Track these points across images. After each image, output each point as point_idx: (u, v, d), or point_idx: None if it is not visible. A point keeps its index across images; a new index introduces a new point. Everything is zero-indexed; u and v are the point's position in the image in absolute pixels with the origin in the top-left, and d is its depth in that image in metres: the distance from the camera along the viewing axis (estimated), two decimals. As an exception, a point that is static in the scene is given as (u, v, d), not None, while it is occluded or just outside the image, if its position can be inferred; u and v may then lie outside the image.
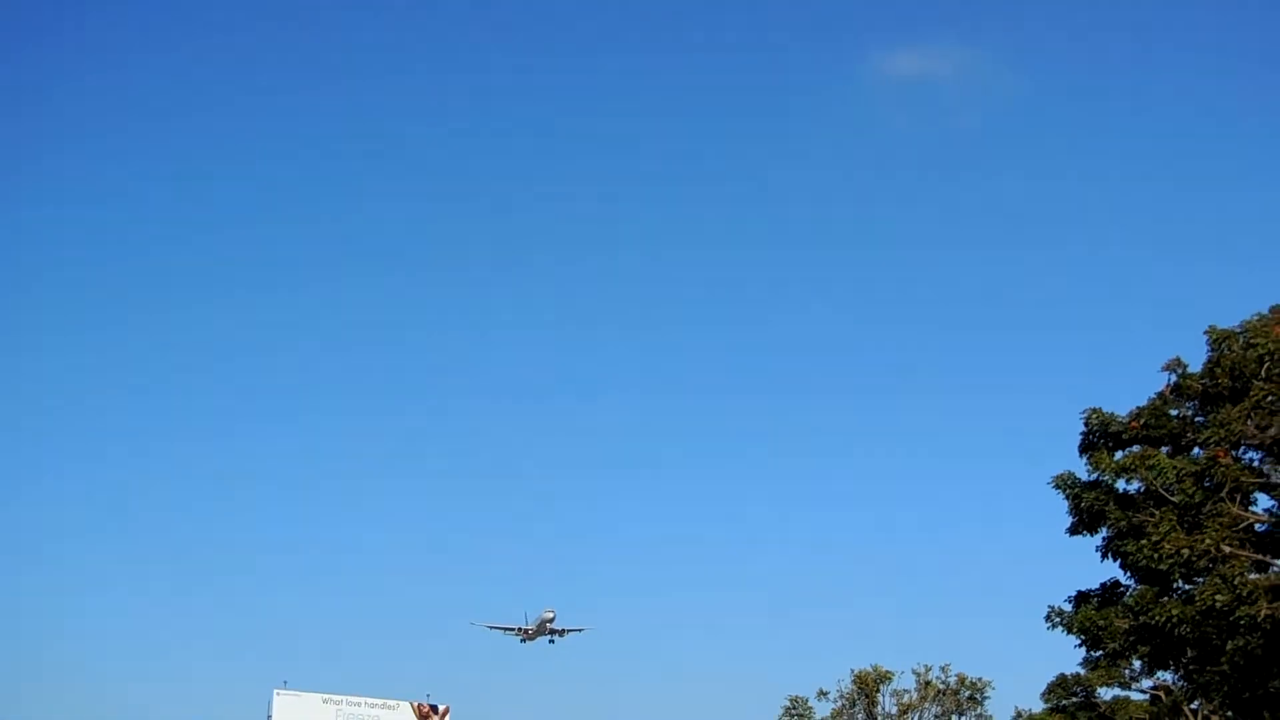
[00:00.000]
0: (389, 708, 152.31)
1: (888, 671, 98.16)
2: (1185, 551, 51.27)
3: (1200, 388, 55.33)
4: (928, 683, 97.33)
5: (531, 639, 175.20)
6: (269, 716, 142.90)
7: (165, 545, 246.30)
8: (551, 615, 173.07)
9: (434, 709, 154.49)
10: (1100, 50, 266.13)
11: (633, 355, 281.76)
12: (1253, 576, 50.73)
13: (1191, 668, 54.90)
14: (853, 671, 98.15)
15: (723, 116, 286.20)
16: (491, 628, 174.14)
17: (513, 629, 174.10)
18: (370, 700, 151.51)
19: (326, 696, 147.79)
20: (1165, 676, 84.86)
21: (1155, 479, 53.29)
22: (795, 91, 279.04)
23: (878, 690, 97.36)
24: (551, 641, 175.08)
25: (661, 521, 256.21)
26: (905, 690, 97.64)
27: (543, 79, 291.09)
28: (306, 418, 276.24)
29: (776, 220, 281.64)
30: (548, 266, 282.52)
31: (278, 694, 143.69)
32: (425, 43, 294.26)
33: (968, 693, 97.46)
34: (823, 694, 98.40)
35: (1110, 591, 57.50)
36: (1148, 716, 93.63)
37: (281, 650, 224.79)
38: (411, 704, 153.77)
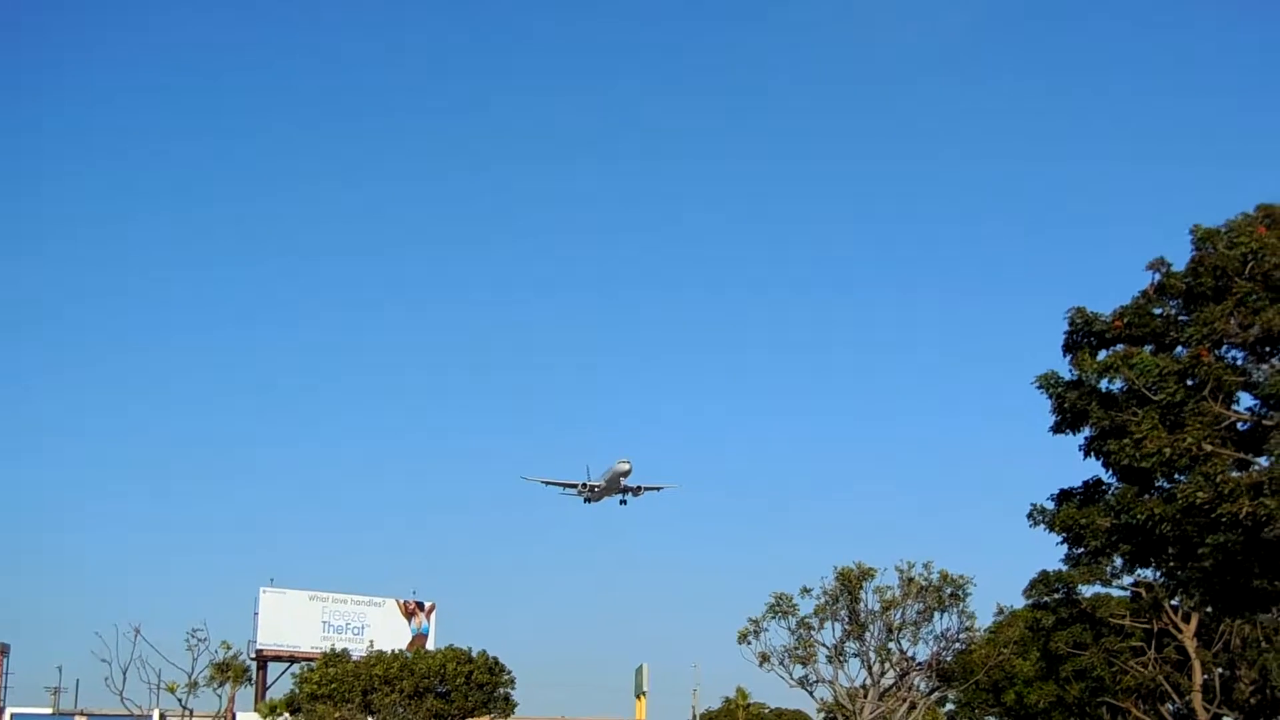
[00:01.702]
0: (375, 604, 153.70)
1: (870, 569, 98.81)
2: (1167, 450, 51.40)
3: (1184, 287, 55.17)
4: (910, 580, 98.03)
5: (597, 498, 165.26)
6: (255, 614, 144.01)
7: (151, 445, 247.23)
8: (627, 467, 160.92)
9: (420, 605, 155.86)
10: None
11: (625, 255, 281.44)
12: (1234, 474, 50.88)
13: (1172, 564, 55.28)
14: (836, 568, 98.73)
15: (711, 20, 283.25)
16: (548, 483, 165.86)
17: (573, 485, 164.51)
18: (356, 597, 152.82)
19: (313, 594, 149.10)
20: (1146, 573, 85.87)
21: (1138, 378, 53.26)
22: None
23: (860, 587, 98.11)
24: (624, 502, 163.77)
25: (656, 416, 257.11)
26: (888, 587, 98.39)
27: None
28: (290, 311, 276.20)
29: (771, 125, 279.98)
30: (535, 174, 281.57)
31: (264, 592, 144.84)
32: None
33: (950, 589, 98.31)
34: (806, 591, 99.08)
35: (1092, 490, 57.72)
36: (1128, 613, 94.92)
37: (268, 548, 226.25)
38: (397, 601, 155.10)
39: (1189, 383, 53.53)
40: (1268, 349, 54.25)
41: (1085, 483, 58.38)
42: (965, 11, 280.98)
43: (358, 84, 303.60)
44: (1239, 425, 53.80)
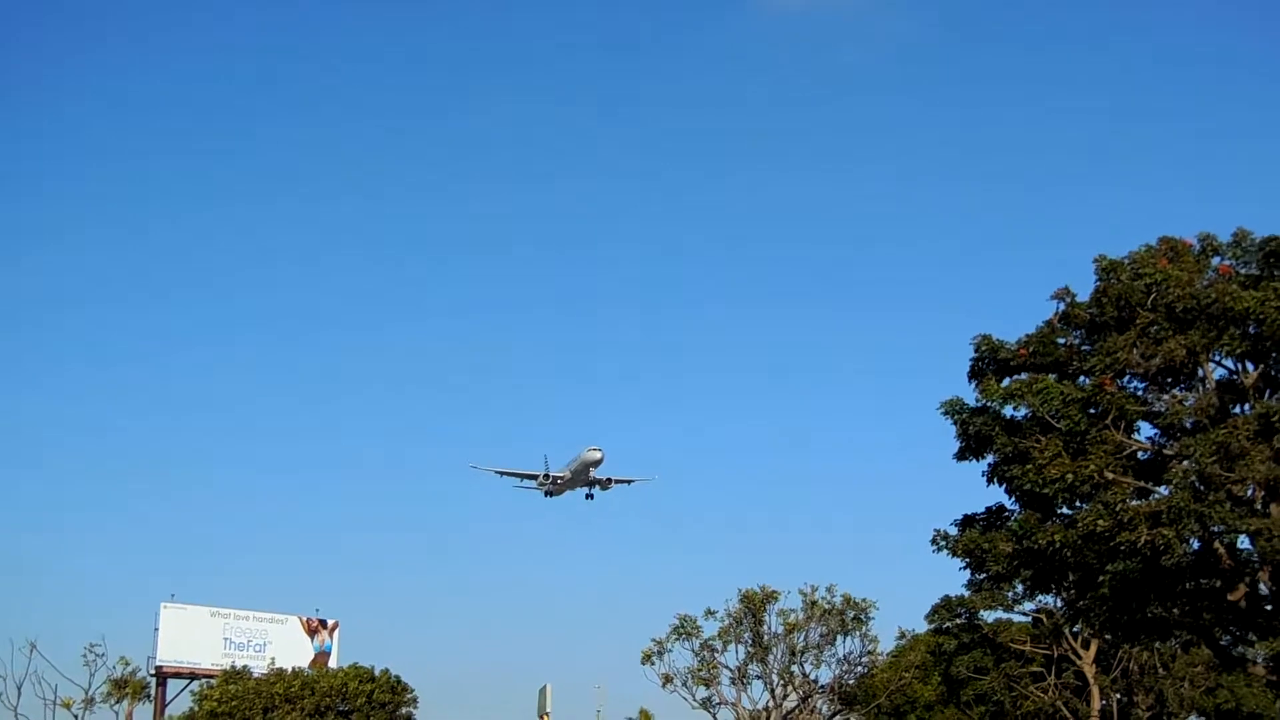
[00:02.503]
0: (277, 621, 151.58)
1: (774, 591, 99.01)
2: (1069, 477, 52.04)
3: (1088, 316, 56.01)
4: (814, 603, 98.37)
5: (559, 491, 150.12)
6: (156, 629, 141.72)
7: (50, 455, 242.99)
8: (597, 456, 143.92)
9: (323, 623, 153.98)
10: None
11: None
12: (1133, 503, 51.57)
13: (1072, 592, 55.94)
14: (740, 591, 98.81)
15: (612, 55, 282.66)
16: (503, 474, 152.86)
17: (531, 476, 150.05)
18: (258, 614, 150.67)
19: (214, 610, 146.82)
20: (1047, 600, 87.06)
21: (1042, 405, 53.91)
22: (681, 29, 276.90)
23: (764, 609, 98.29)
24: (590, 496, 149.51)
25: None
26: (791, 610, 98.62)
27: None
28: (198, 330, 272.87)
29: (666, 152, 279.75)
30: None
31: (164, 607, 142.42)
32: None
33: (852, 613, 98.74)
34: (710, 613, 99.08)
35: (995, 515, 58.27)
36: (1029, 639, 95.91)
37: (170, 563, 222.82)
38: (300, 618, 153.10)
39: (1091, 411, 54.28)
40: (1169, 379, 55.14)
41: (988, 509, 58.92)
42: (864, 46, 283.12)
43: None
44: (1139, 454, 54.63)
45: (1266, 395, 53.19)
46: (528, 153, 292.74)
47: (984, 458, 57.00)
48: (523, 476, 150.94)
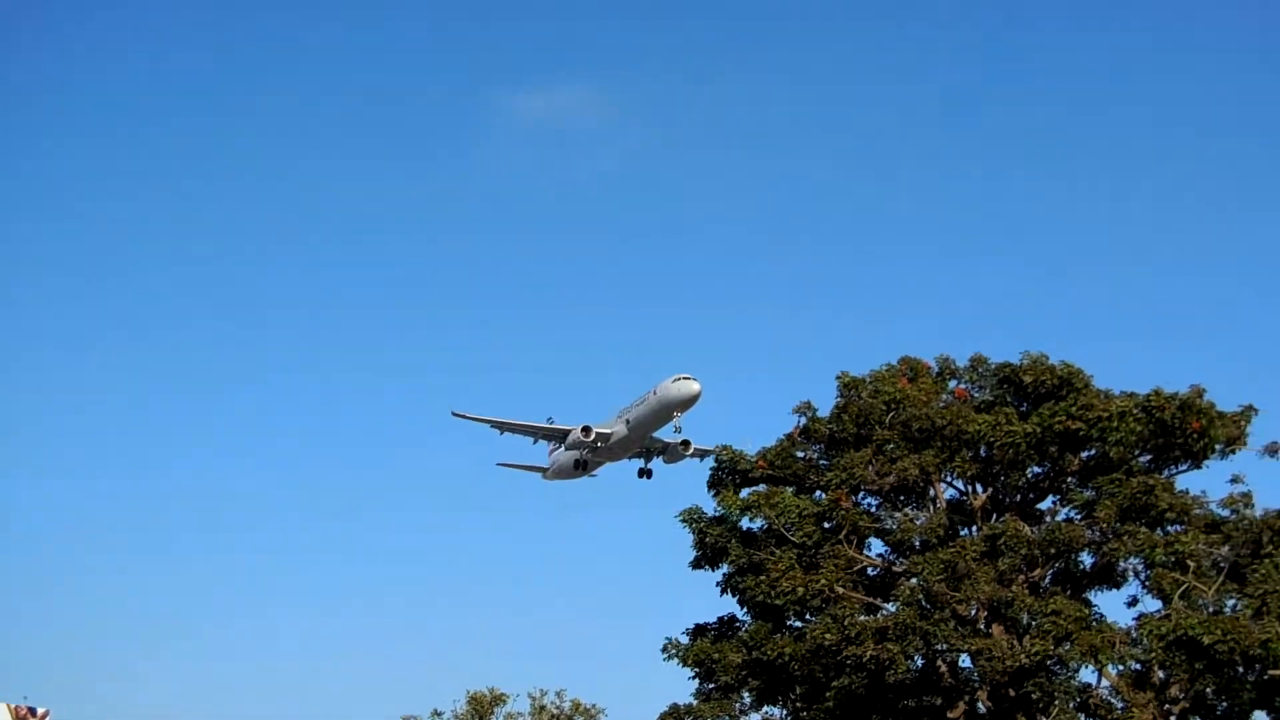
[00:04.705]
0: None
1: (503, 694, 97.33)
2: (801, 590, 52.75)
3: (827, 432, 57.15)
4: (542, 707, 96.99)
5: (597, 463, 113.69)
6: None
7: None
8: (695, 389, 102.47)
9: (32, 711, 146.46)
10: (725, 101, 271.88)
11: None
12: (861, 618, 52.48)
13: (799, 704, 56.19)
14: (468, 692, 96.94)
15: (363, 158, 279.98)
16: (503, 429, 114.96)
17: (556, 435, 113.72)
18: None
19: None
20: (774, 711, 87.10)
21: (778, 518, 54.62)
22: (430, 133, 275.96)
23: (492, 712, 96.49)
24: (647, 473, 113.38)
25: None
26: (519, 714, 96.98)
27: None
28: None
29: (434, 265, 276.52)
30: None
31: None
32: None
33: (581, 718, 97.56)
34: (437, 714, 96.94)
35: (727, 626, 58.58)
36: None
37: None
38: (8, 706, 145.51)
39: (826, 526, 55.22)
40: (902, 497, 56.52)
41: (720, 618, 59.23)
42: (604, 159, 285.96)
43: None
44: (870, 570, 55.73)
45: (994, 518, 54.73)
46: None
47: (719, 567, 57.45)
48: (539, 434, 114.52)
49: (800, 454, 58.08)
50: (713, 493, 58.35)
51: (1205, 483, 54.73)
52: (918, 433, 54.14)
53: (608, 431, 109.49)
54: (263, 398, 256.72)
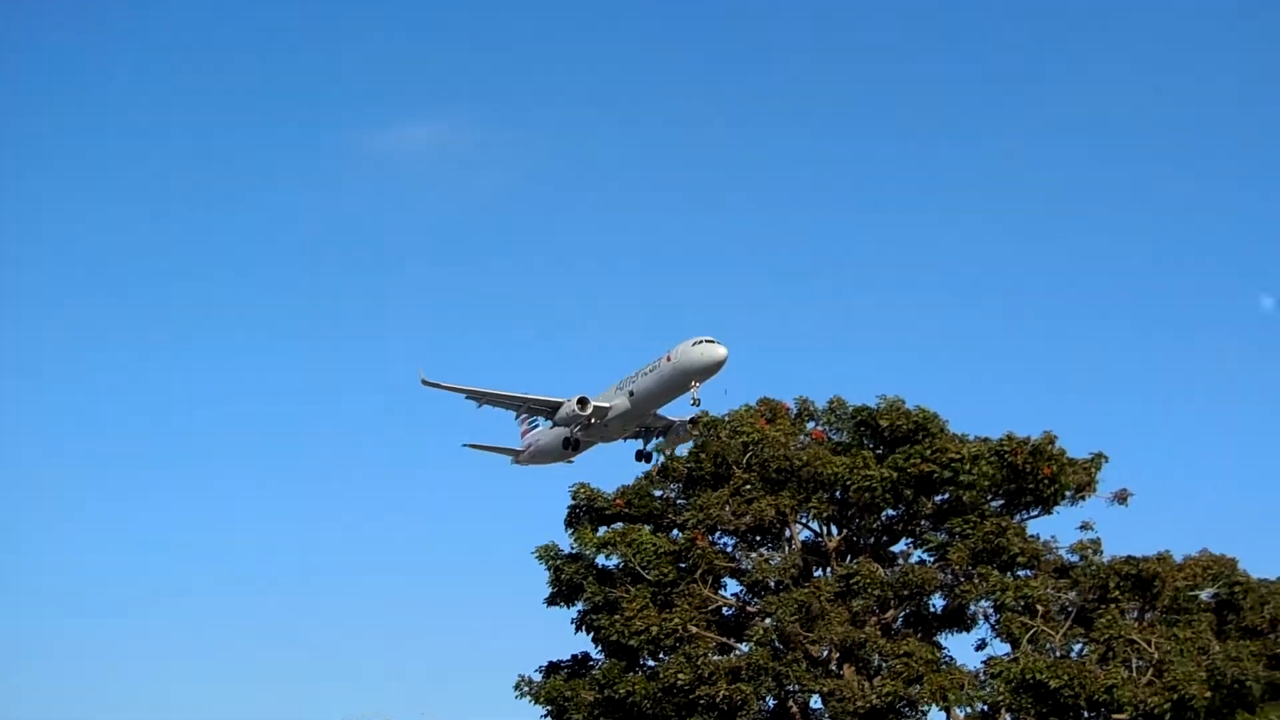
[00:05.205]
0: None
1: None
2: (655, 629, 52.69)
3: (685, 471, 57.27)
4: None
5: (589, 441, 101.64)
6: None
7: None
8: (721, 355, 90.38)
9: None
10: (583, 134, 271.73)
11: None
12: (715, 658, 52.52)
13: (651, 744, 55.89)
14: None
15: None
16: (481, 401, 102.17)
17: (543, 410, 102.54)
18: None
19: None
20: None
21: (634, 556, 54.56)
22: (279, 170, 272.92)
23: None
24: (645, 455, 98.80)
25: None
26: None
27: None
28: None
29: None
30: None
31: None
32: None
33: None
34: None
35: (581, 663, 58.22)
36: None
37: None
38: None
39: (682, 565, 55.21)
40: (758, 538, 56.69)
41: (574, 656, 58.86)
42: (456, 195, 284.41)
43: None
44: (725, 610, 55.79)
45: (848, 559, 55.09)
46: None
47: (575, 605, 57.18)
48: (525, 406, 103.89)
49: (658, 493, 58.18)
50: (569, 530, 58.12)
51: (1055, 528, 55.62)
52: (775, 474, 54.43)
53: (606, 405, 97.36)
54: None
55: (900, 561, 55.18)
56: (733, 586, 56.32)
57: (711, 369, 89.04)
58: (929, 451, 53.86)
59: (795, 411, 58.39)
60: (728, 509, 54.71)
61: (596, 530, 57.48)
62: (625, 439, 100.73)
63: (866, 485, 53.58)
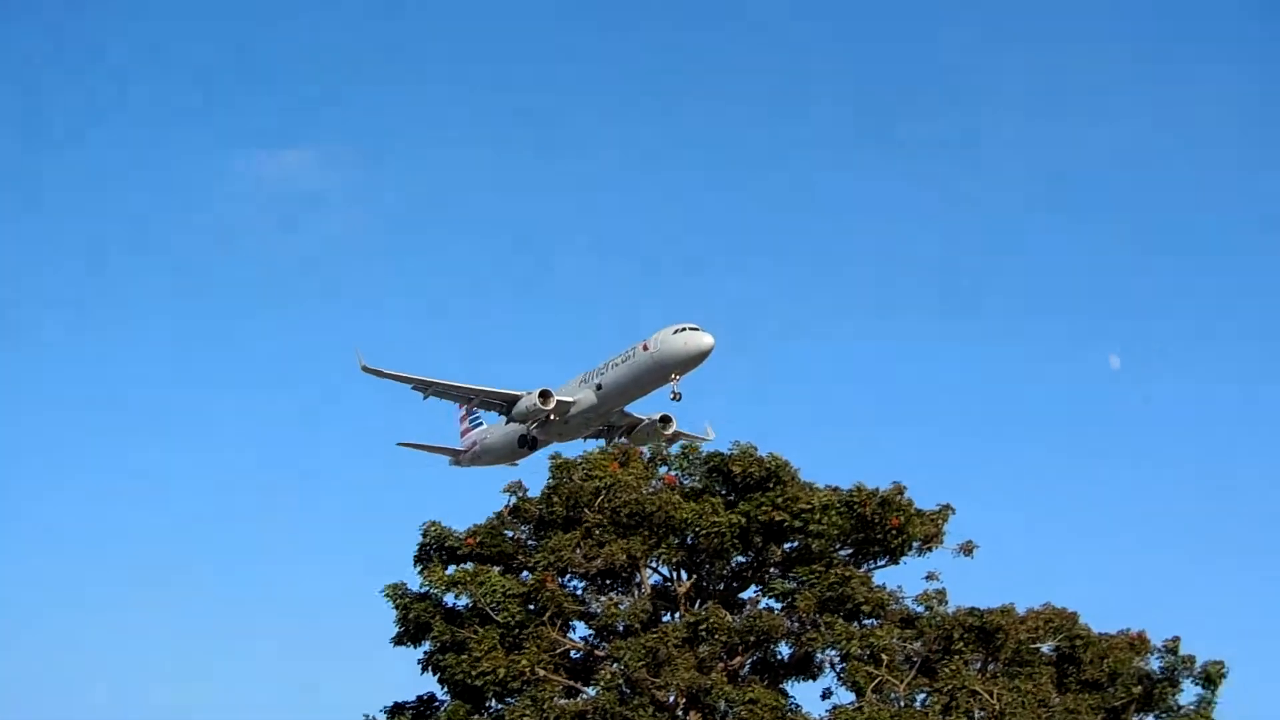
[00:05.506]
0: None
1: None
2: (501, 671, 52.24)
3: (537, 512, 57.00)
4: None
5: (547, 439, 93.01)
6: None
7: None
8: (707, 343, 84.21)
9: None
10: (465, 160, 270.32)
11: None
12: (561, 701, 52.20)
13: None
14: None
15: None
16: (430, 393, 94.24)
17: (497, 399, 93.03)
18: None
19: None
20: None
21: (483, 597, 54.10)
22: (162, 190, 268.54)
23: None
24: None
25: None
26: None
27: None
28: None
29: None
30: None
31: None
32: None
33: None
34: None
35: (426, 705, 57.65)
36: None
37: None
38: None
39: (531, 607, 54.80)
40: (608, 581, 56.60)
41: (419, 698, 58.17)
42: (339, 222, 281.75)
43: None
44: (573, 653, 55.49)
45: (697, 604, 55.16)
46: None
47: (422, 645, 56.51)
48: (470, 400, 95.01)
49: (509, 533, 57.88)
50: (419, 568, 57.47)
51: (902, 578, 56.27)
52: (626, 518, 54.44)
53: (570, 400, 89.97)
54: None
55: (748, 608, 55.34)
56: (582, 630, 56.12)
57: (695, 359, 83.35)
58: (779, 499, 54.25)
59: (648, 456, 58.47)
60: (579, 552, 54.57)
61: (446, 569, 56.90)
62: (585, 438, 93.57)
63: (715, 531, 53.77)
